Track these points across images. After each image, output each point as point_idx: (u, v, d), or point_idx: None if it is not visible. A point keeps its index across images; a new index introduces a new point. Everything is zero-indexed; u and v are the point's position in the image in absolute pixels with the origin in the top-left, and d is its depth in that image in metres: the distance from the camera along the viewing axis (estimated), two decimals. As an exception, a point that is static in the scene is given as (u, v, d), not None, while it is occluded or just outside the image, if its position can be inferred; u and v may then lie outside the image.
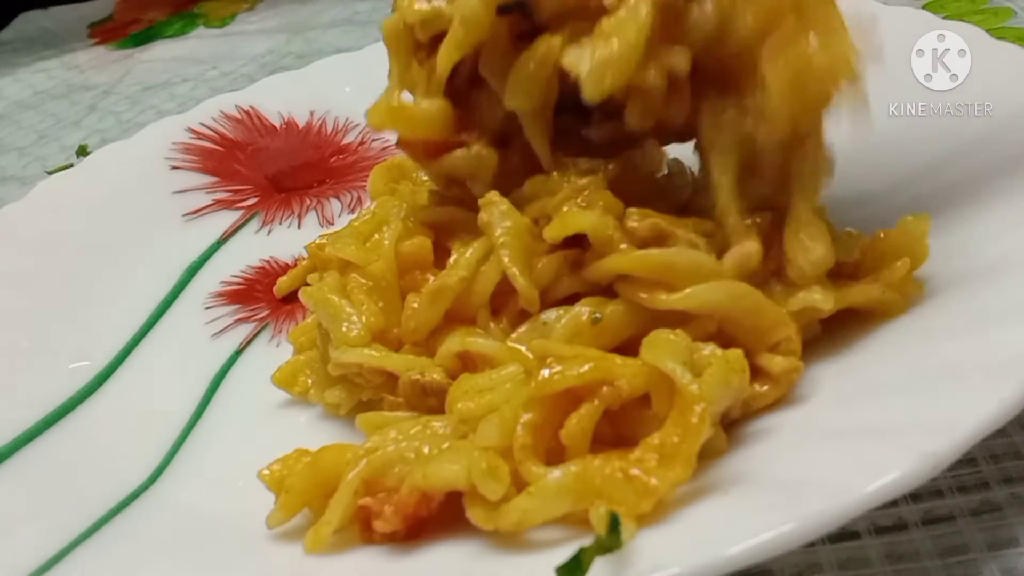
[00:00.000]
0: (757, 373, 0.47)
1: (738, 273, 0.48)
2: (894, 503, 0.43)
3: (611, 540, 0.37)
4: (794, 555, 0.42)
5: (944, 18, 0.73)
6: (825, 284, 0.48)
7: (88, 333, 0.66)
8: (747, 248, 0.48)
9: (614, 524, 0.38)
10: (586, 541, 0.38)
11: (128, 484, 0.54)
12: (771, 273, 0.49)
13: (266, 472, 0.48)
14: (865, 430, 0.42)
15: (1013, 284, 0.47)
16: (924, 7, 0.85)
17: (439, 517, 0.44)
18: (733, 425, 0.46)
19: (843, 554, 0.44)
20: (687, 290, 0.46)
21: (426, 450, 0.45)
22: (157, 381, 0.62)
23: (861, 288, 0.49)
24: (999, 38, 0.64)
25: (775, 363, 0.46)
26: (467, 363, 0.50)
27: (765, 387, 0.46)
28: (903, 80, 0.64)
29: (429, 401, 0.49)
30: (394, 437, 0.46)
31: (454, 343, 0.50)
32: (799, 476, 0.40)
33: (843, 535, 0.44)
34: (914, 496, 0.45)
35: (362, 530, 0.45)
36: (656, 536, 0.39)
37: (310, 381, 0.58)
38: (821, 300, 0.48)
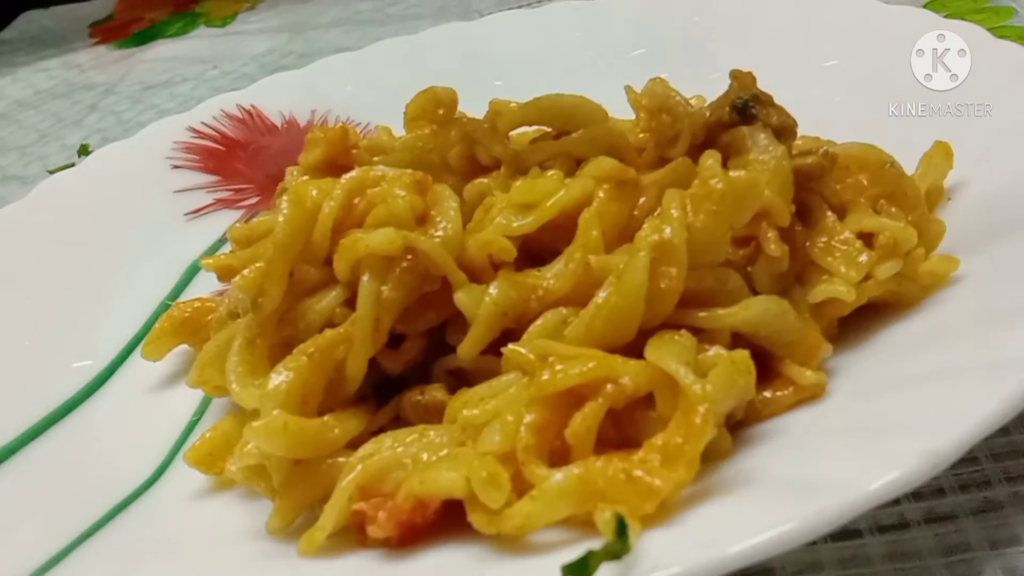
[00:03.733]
0: (775, 377, 0.47)
1: (772, 283, 0.49)
2: (896, 501, 0.43)
3: (620, 545, 0.37)
4: (796, 553, 0.42)
5: (944, 17, 0.73)
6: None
7: (90, 332, 0.66)
8: (774, 253, 0.48)
9: (621, 529, 0.38)
10: (589, 542, 0.38)
11: (128, 484, 0.54)
12: (794, 276, 0.50)
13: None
14: (867, 429, 0.42)
15: (1013, 285, 0.47)
16: (925, 6, 0.85)
17: (440, 520, 0.44)
18: (737, 426, 0.46)
19: (845, 552, 0.44)
20: (735, 307, 0.46)
21: (424, 457, 0.45)
22: (158, 381, 0.62)
23: (880, 281, 0.49)
24: (1000, 37, 0.64)
25: (805, 376, 0.46)
26: (461, 380, 0.50)
27: (781, 393, 0.47)
28: (903, 80, 0.64)
29: (432, 421, 0.49)
30: (389, 444, 0.46)
31: (449, 361, 0.50)
32: (801, 475, 0.40)
33: (845, 533, 0.44)
34: (916, 495, 0.45)
35: (357, 534, 0.45)
36: (658, 535, 0.39)
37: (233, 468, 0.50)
38: (845, 292, 0.48)
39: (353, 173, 0.51)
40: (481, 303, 0.48)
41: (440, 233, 0.49)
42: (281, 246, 0.49)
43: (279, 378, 0.47)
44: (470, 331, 0.48)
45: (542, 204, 0.50)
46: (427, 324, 0.50)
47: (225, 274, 0.59)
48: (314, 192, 0.50)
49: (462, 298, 0.48)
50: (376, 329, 0.48)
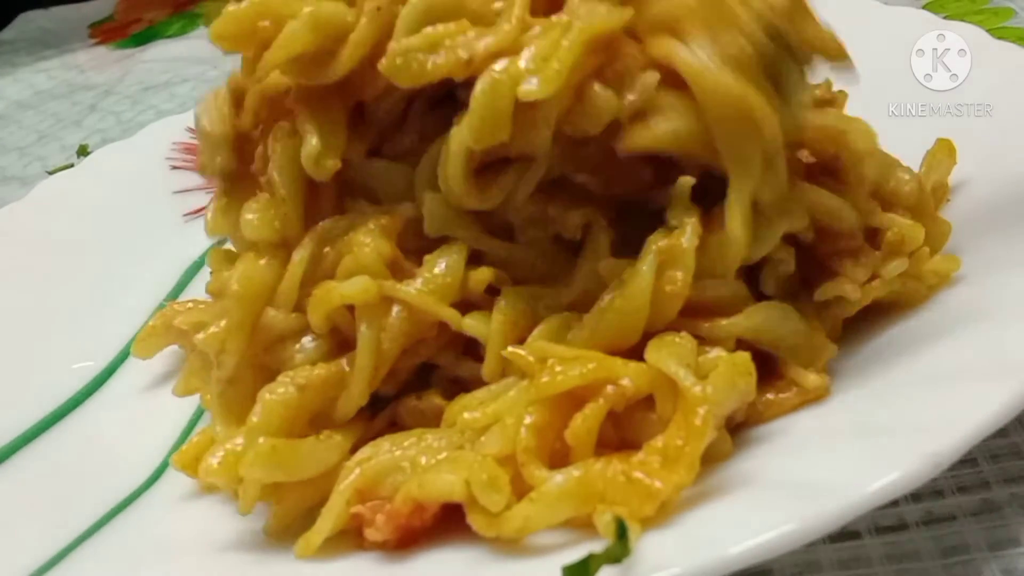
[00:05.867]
0: (777, 379, 0.47)
1: (778, 287, 0.48)
2: (895, 503, 0.43)
3: (620, 548, 0.37)
4: (795, 555, 0.42)
5: (944, 18, 0.73)
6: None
7: (90, 333, 0.66)
8: (781, 257, 0.48)
9: (622, 531, 0.38)
10: (589, 544, 0.38)
11: (127, 485, 0.54)
12: (800, 279, 0.50)
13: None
14: (867, 430, 0.42)
15: (1013, 285, 0.47)
16: (924, 7, 0.85)
17: (439, 523, 0.43)
18: (738, 428, 0.46)
19: (844, 554, 0.44)
20: (739, 317, 0.46)
21: (423, 460, 0.45)
22: (158, 382, 0.62)
23: (886, 281, 0.49)
24: (999, 38, 0.64)
25: (808, 379, 0.46)
26: (459, 385, 0.49)
27: (783, 395, 0.46)
28: (903, 80, 0.64)
29: (430, 425, 0.48)
30: (387, 448, 0.46)
31: (448, 367, 0.50)
32: (800, 476, 0.40)
33: (844, 535, 0.44)
34: (915, 496, 0.45)
35: (354, 537, 0.45)
36: (658, 536, 0.39)
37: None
38: (851, 290, 0.48)
39: (324, 223, 0.50)
40: (492, 319, 0.47)
41: (419, 283, 0.47)
42: (239, 297, 0.48)
43: (259, 411, 0.46)
44: (487, 352, 0.47)
45: None
46: (421, 359, 0.49)
47: (197, 331, 0.58)
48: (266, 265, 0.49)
49: (471, 324, 0.47)
50: (373, 377, 0.47)
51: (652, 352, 0.44)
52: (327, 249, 0.49)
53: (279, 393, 0.47)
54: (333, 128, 0.49)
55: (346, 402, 0.47)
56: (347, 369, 0.48)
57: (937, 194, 0.56)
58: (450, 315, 0.47)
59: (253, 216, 0.50)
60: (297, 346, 0.49)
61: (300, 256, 0.49)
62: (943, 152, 0.56)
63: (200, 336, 0.50)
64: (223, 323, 0.49)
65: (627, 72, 0.45)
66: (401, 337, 0.48)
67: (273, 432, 0.46)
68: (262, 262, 0.49)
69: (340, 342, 0.49)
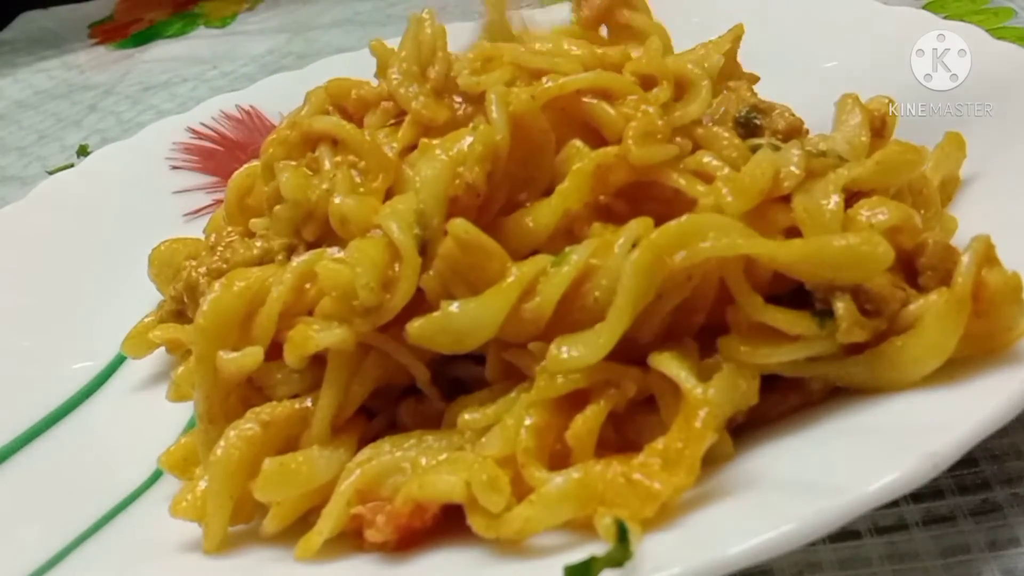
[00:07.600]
0: (777, 380, 0.46)
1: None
2: (895, 503, 0.43)
3: (621, 551, 0.37)
4: (795, 554, 0.42)
5: (944, 18, 0.73)
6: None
7: (90, 333, 0.66)
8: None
9: (623, 534, 0.38)
10: (590, 546, 0.38)
11: (127, 485, 0.54)
12: None
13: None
14: (866, 430, 0.42)
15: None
16: (924, 7, 0.85)
17: (439, 525, 0.44)
18: (738, 429, 0.46)
19: (844, 553, 0.44)
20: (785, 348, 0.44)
21: (423, 461, 0.45)
22: (157, 382, 0.62)
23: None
24: (999, 38, 0.64)
25: (809, 380, 0.46)
26: (458, 387, 0.49)
27: (784, 396, 0.46)
28: (903, 80, 0.64)
29: (430, 427, 0.48)
30: (388, 449, 0.46)
31: (448, 370, 0.50)
32: (801, 477, 0.40)
33: (844, 535, 0.44)
34: (915, 496, 0.45)
35: (354, 539, 0.45)
36: (658, 536, 0.39)
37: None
38: None
39: (305, 256, 0.50)
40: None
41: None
42: (201, 331, 0.48)
43: (223, 447, 0.47)
44: (489, 354, 0.47)
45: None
46: (395, 393, 0.50)
47: (174, 347, 0.60)
48: (238, 285, 0.49)
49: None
50: (338, 417, 0.48)
51: (655, 355, 0.44)
52: (308, 285, 0.49)
53: (243, 429, 0.47)
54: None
55: (307, 441, 0.48)
56: (311, 407, 0.48)
57: (947, 188, 0.56)
58: (419, 372, 0.48)
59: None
60: (280, 375, 0.49)
61: (278, 292, 0.48)
62: (952, 145, 0.57)
63: (179, 371, 0.52)
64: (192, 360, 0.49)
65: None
66: (372, 382, 0.48)
67: (234, 469, 0.46)
68: (235, 288, 0.49)
69: (321, 374, 0.48)
